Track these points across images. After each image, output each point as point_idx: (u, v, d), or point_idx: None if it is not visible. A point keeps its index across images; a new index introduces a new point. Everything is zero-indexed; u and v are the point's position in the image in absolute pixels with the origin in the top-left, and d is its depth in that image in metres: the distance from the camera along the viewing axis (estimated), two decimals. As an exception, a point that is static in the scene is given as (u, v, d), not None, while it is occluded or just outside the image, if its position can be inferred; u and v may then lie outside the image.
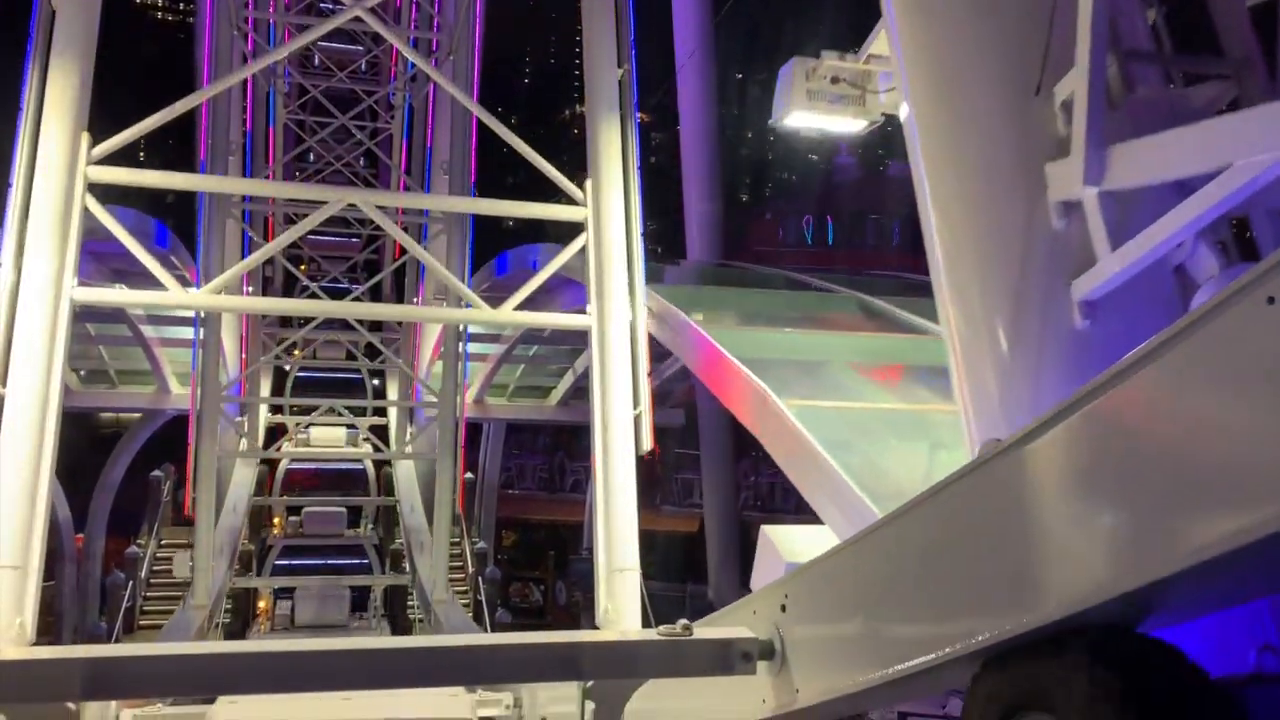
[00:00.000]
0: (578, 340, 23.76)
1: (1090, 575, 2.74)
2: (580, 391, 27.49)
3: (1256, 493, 2.25)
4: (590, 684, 4.30)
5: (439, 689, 3.93)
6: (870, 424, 8.19)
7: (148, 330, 20.27)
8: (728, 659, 4.40)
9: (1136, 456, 2.61)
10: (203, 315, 12.99)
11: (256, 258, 7.92)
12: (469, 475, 21.37)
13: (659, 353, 26.04)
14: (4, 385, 6.10)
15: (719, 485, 28.62)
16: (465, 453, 16.31)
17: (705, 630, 4.74)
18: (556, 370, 27.11)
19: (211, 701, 5.94)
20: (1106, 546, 2.69)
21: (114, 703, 8.02)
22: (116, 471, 26.89)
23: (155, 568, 17.15)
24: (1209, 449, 2.40)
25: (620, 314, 7.43)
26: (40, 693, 3.60)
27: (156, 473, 19.79)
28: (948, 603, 3.41)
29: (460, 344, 14.71)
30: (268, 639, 14.19)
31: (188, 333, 21.38)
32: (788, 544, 5.81)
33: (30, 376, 6.10)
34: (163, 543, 18.48)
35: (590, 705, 4.28)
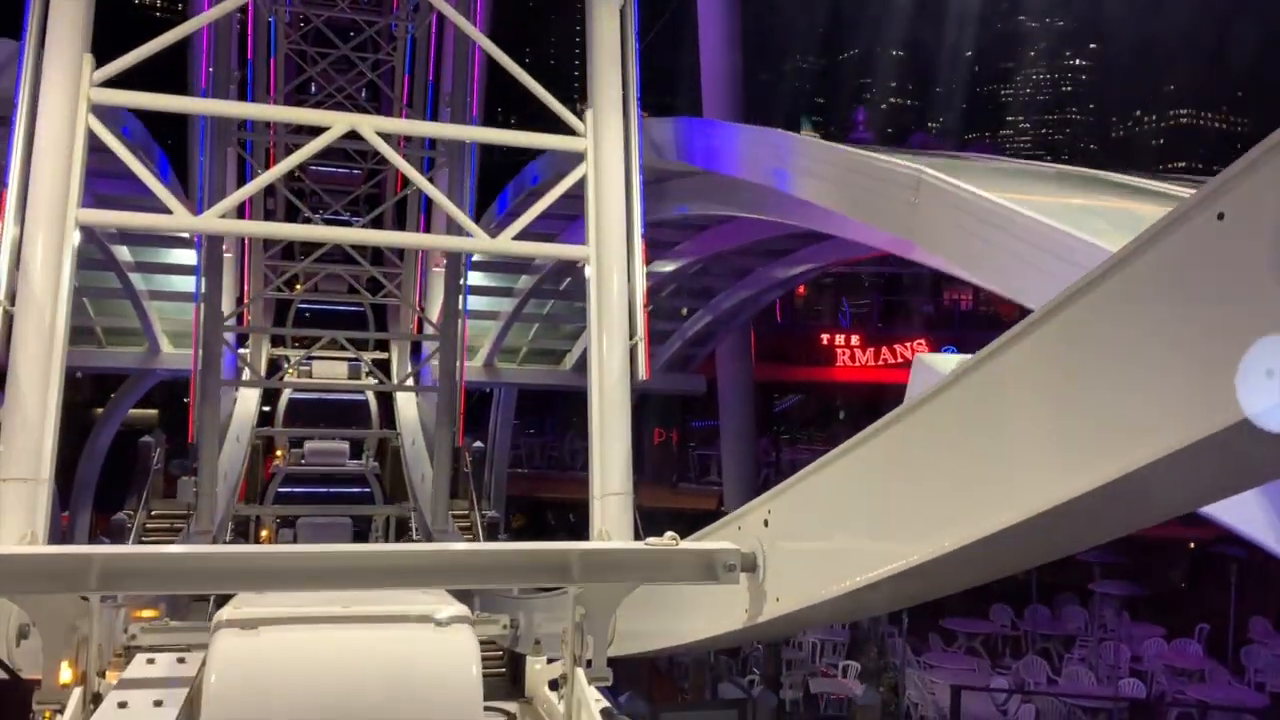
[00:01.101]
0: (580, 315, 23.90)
1: (1053, 480, 2.88)
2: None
3: (1205, 400, 2.38)
4: (580, 592, 4.49)
5: (439, 631, 4.12)
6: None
7: (136, 280, 19.86)
8: (712, 568, 4.60)
9: (1093, 370, 2.76)
10: (205, 242, 13.10)
11: (260, 181, 7.99)
12: (479, 444, 21.02)
13: (677, 309, 25.68)
14: (12, 304, 6.24)
15: (739, 462, 27.95)
16: (465, 391, 16.48)
17: (691, 543, 4.94)
18: (571, 333, 26.23)
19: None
20: (1066, 452, 2.84)
21: (122, 612, 8.31)
22: (104, 438, 25.69)
23: (144, 539, 15.51)
24: (1161, 361, 2.54)
25: (618, 244, 7.53)
26: (52, 585, 3.79)
27: (146, 439, 18.50)
28: (917, 515, 3.59)
29: (461, 277, 14.82)
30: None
31: (180, 283, 21.02)
32: (946, 368, 5.82)
33: (38, 295, 6.24)
34: (152, 513, 16.99)
35: (580, 610, 4.48)
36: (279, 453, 19.72)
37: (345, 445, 18.57)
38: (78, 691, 3.78)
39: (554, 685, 5.01)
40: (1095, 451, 2.71)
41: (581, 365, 25.58)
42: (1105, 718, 18.43)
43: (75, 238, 6.33)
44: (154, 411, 36.73)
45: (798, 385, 41.47)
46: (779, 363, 36.78)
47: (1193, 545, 27.75)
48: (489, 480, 27.94)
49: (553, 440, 38.74)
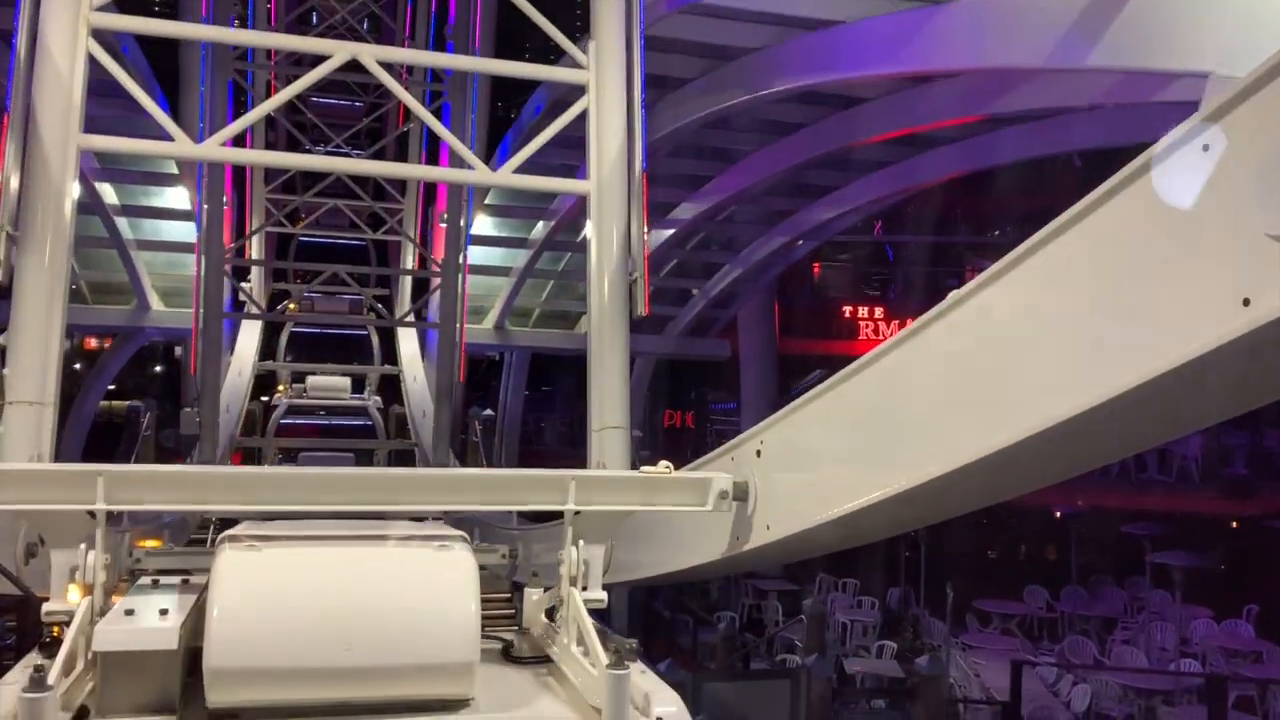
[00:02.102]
0: None
1: (1040, 403, 2.94)
2: None
3: (1191, 322, 2.44)
4: (576, 518, 4.59)
5: (440, 548, 4.23)
6: None
7: (123, 227, 19.28)
8: (704, 495, 4.70)
9: (1085, 296, 2.81)
10: (206, 173, 13.08)
11: (263, 109, 7.97)
12: (489, 412, 20.21)
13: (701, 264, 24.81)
14: (15, 229, 6.28)
15: None
16: (465, 320, 16.52)
17: (686, 473, 5.05)
18: (582, 294, 25.67)
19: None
20: (1054, 376, 2.90)
21: (126, 537, 8.45)
22: (91, 403, 25.03)
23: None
24: (1153, 284, 2.59)
25: (619, 179, 7.53)
26: (60, 496, 3.89)
27: (135, 404, 17.95)
28: (905, 442, 3.67)
29: (463, 213, 14.80)
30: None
31: (171, 231, 20.58)
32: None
33: (41, 219, 6.27)
34: None
35: (576, 535, 4.58)
36: (281, 388, 19.82)
37: (347, 381, 18.66)
38: (85, 602, 3.89)
39: (550, 615, 5.13)
40: (1082, 375, 2.77)
41: None
42: (1161, 700, 17.62)
43: (77, 162, 6.35)
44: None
45: (819, 360, 41.01)
46: (799, 337, 36.10)
47: (1235, 524, 26.99)
48: (499, 448, 27.00)
49: (564, 418, 37.53)
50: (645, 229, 7.84)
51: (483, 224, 22.38)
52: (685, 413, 37.25)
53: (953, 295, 3.38)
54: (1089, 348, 2.76)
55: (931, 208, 35.53)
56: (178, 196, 20.07)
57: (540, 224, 22.00)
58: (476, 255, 22.92)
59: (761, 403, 27.69)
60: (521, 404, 29.84)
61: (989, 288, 3.18)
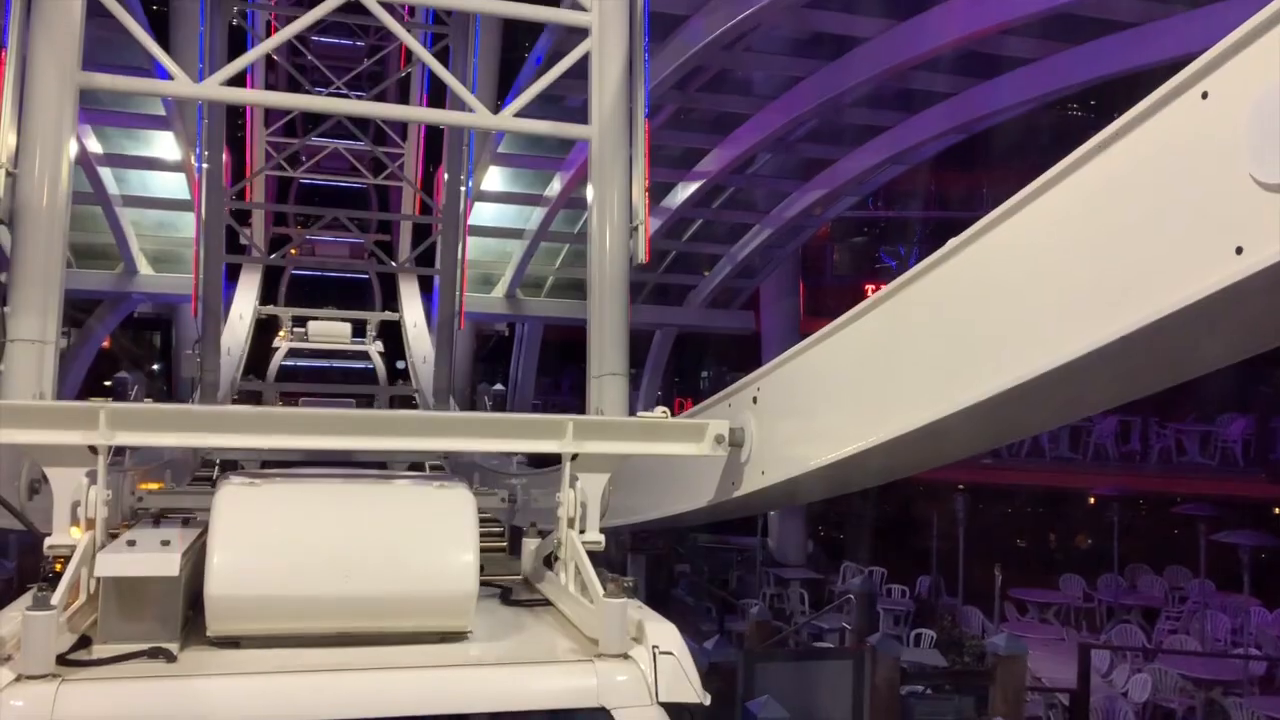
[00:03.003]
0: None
1: (1037, 352, 2.96)
2: (631, 288, 24.96)
3: (1185, 270, 2.45)
4: (574, 460, 4.63)
5: (439, 487, 4.29)
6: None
7: (109, 181, 18.69)
8: (701, 439, 4.75)
9: (1081, 245, 2.83)
10: (206, 114, 12.99)
11: (263, 48, 7.91)
12: (499, 387, 19.89)
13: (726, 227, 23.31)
14: (15, 167, 6.27)
15: None
16: (466, 267, 16.48)
17: (683, 419, 5.10)
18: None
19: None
20: (1049, 322, 2.92)
21: (129, 476, 8.54)
22: (75, 373, 24.03)
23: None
24: (1149, 233, 2.60)
25: (621, 124, 7.49)
26: (62, 429, 3.93)
27: (122, 375, 17.72)
28: (899, 388, 3.70)
29: (463, 158, 14.72)
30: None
31: (159, 185, 19.77)
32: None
33: (40, 158, 6.26)
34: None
35: (574, 477, 4.63)
36: (282, 333, 19.84)
37: (347, 326, 18.69)
38: (88, 536, 3.94)
39: (548, 562, 5.19)
40: (1076, 323, 2.80)
41: None
42: (1222, 690, 16.36)
43: (76, 100, 6.32)
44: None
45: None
46: (828, 317, 35.61)
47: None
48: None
49: (582, 397, 36.53)
50: (647, 176, 7.82)
51: (494, 178, 21.22)
52: (701, 398, 37.09)
53: (949, 244, 3.39)
54: (1084, 296, 2.78)
55: (969, 185, 35.21)
56: (165, 145, 19.05)
57: (557, 178, 20.78)
58: (486, 215, 22.02)
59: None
60: (534, 380, 28.74)
61: (984, 236, 3.20)
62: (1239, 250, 2.28)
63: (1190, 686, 16.28)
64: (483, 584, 4.14)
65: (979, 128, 18.94)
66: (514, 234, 22.35)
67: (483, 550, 4.04)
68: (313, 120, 20.75)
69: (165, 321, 24.44)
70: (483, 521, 5.17)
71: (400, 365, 19.05)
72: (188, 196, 18.95)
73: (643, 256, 7.90)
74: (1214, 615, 19.78)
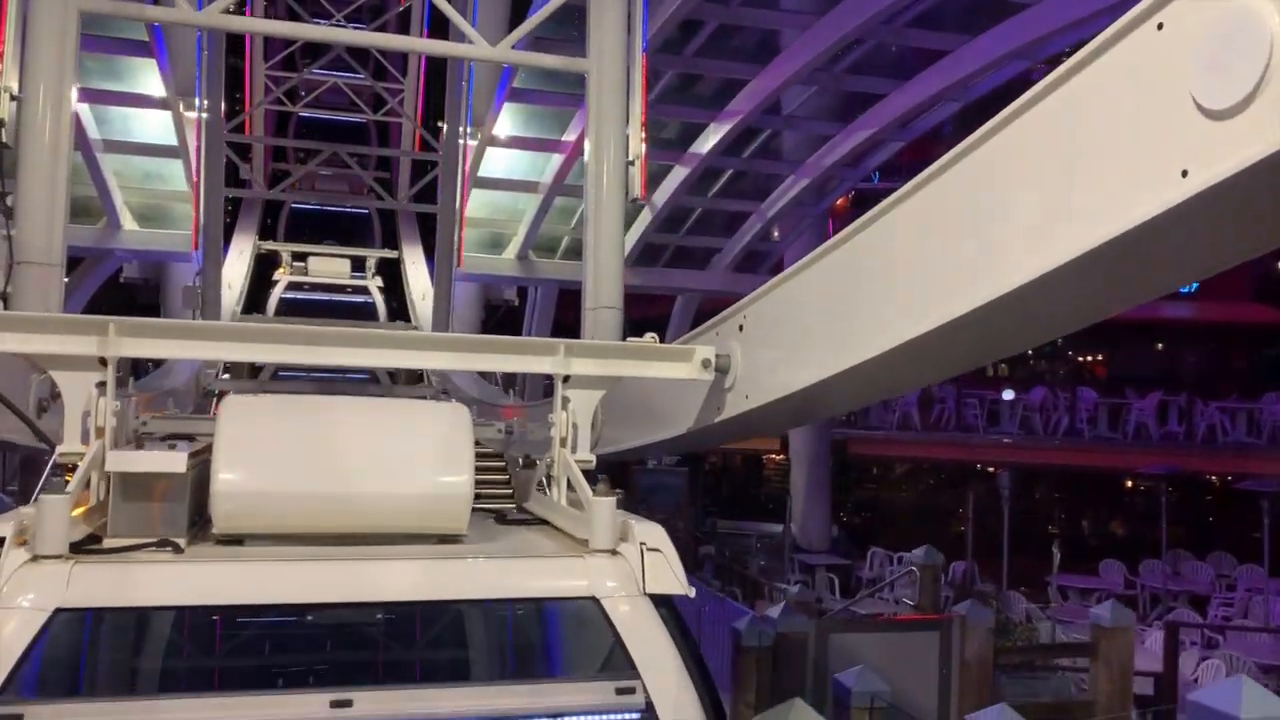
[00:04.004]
0: (649, 184, 21.38)
1: (1003, 271, 3.11)
2: (651, 251, 23.18)
3: (1135, 192, 2.60)
4: (566, 382, 4.81)
5: (439, 410, 4.49)
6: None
7: (89, 123, 17.82)
8: (689, 363, 4.93)
9: (1042, 172, 2.98)
10: (205, 45, 12.99)
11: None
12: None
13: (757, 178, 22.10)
14: (21, 91, 6.36)
15: None
16: (466, 203, 16.55)
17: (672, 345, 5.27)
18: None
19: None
20: (1014, 248, 3.08)
21: (134, 402, 8.70)
22: None
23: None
24: (1105, 158, 2.75)
25: (619, 58, 7.55)
26: (72, 336, 4.10)
27: None
28: (881, 310, 3.86)
29: (462, 92, 14.72)
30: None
31: (144, 130, 18.82)
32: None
33: (44, 82, 6.35)
34: None
35: (566, 399, 4.80)
36: (281, 269, 19.91)
37: (347, 262, 18.77)
38: (98, 443, 4.11)
39: (542, 488, 5.40)
40: (1037, 244, 2.95)
41: (637, 261, 22.06)
42: None
43: (78, 23, 6.39)
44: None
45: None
46: None
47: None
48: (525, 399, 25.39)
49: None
50: (644, 110, 7.90)
51: (507, 122, 19.72)
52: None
53: (923, 174, 3.53)
54: (1045, 219, 2.94)
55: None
56: (150, 81, 17.79)
57: (575, 120, 19.18)
58: (498, 165, 20.90)
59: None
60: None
61: (952, 167, 3.35)
62: (1184, 174, 2.43)
63: (1258, 671, 15.08)
64: (480, 509, 4.35)
65: (1043, 52, 16.78)
66: (527, 187, 21.13)
67: (481, 481, 4.24)
68: (312, 54, 20.61)
69: (154, 288, 23.01)
70: (482, 455, 5.37)
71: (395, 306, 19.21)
72: (174, 142, 18.31)
73: (639, 191, 8.03)
74: (1276, 600, 18.55)
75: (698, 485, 28.49)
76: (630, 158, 7.90)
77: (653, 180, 20.52)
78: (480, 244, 22.66)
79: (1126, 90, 2.64)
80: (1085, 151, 2.78)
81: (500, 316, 28.86)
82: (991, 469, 29.83)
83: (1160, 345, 38.81)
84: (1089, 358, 40.49)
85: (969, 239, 3.29)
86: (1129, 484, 32.04)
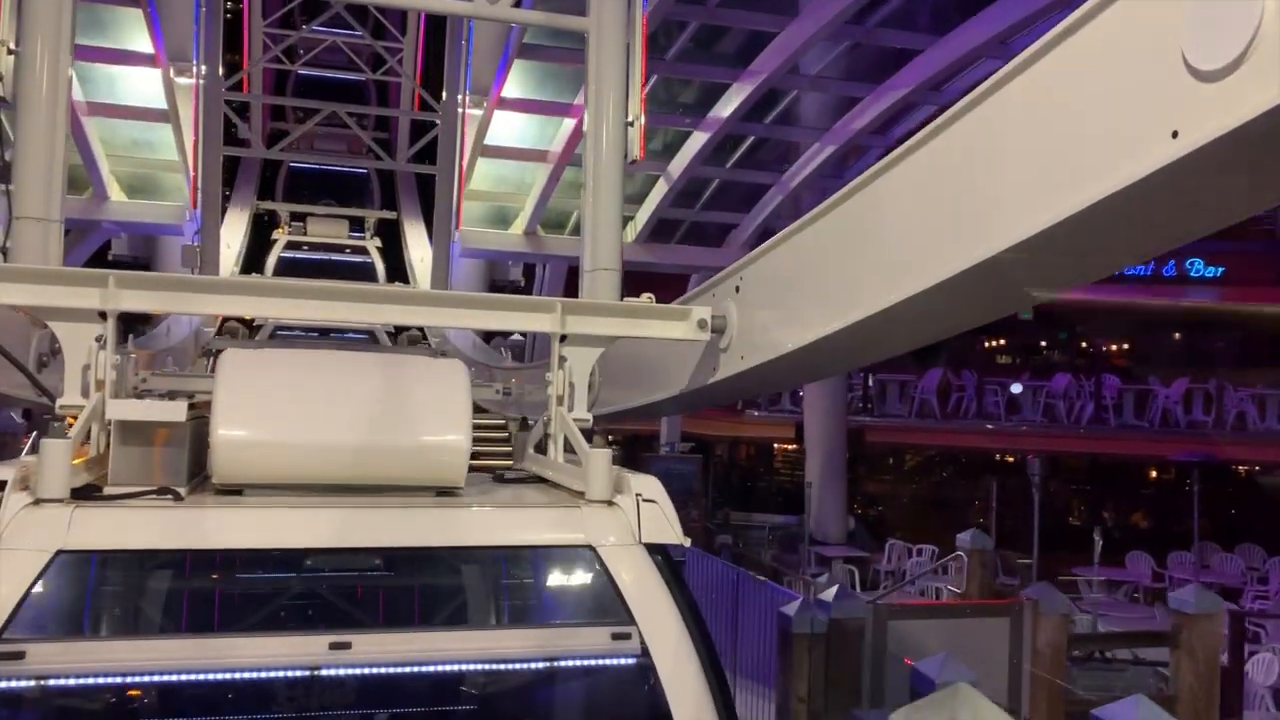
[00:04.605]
0: (655, 159, 19.54)
1: (999, 229, 3.14)
2: (665, 227, 22.53)
3: (1126, 153, 2.63)
4: (563, 340, 4.85)
5: (438, 365, 4.52)
6: None
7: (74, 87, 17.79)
8: (685, 323, 4.98)
9: (1039, 130, 3.00)
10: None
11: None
12: (519, 334, 18.82)
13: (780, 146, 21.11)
14: (17, 43, 6.33)
15: (824, 383, 23.64)
16: (465, 163, 16.51)
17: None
18: (634, 195, 21.14)
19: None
20: (1007, 209, 3.11)
21: (133, 359, 8.72)
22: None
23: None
24: (1099, 119, 2.77)
25: (619, 14, 7.51)
26: (72, 289, 4.14)
27: None
28: (876, 270, 3.89)
29: (462, 52, 14.64)
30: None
31: (131, 91, 18.09)
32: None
33: (42, 35, 6.32)
34: None
35: (563, 358, 4.85)
36: (280, 229, 19.90)
37: (345, 223, 18.75)
38: (97, 396, 4.16)
39: (539, 448, 5.45)
40: (1028, 205, 2.98)
41: (650, 238, 21.76)
42: None
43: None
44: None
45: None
46: None
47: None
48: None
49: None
50: (644, 70, 7.87)
51: (515, 81, 18.58)
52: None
53: (915, 138, 3.55)
54: (1037, 180, 2.96)
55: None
56: (136, 34, 16.88)
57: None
58: (507, 132, 20.05)
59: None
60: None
61: (947, 129, 3.37)
62: (1175, 134, 2.46)
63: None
64: (478, 468, 4.40)
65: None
66: (536, 156, 20.13)
67: (479, 439, 4.28)
68: (310, 12, 20.45)
69: (143, 265, 22.30)
70: (480, 417, 5.42)
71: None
72: (164, 105, 17.60)
73: (637, 153, 8.02)
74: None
75: (708, 475, 27.91)
76: (629, 119, 7.89)
77: (669, 149, 20.41)
78: (486, 219, 22.05)
79: (1119, 51, 2.65)
80: (1077, 112, 2.80)
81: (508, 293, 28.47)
82: (1010, 458, 29.48)
83: (1181, 332, 38.02)
84: (1112, 346, 39.76)
85: (963, 200, 3.32)
86: (1153, 473, 31.63)
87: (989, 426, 29.21)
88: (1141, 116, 2.55)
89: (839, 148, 20.05)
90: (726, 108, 18.94)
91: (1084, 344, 39.64)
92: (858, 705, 10.73)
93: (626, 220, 21.97)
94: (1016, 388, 29.45)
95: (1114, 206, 2.70)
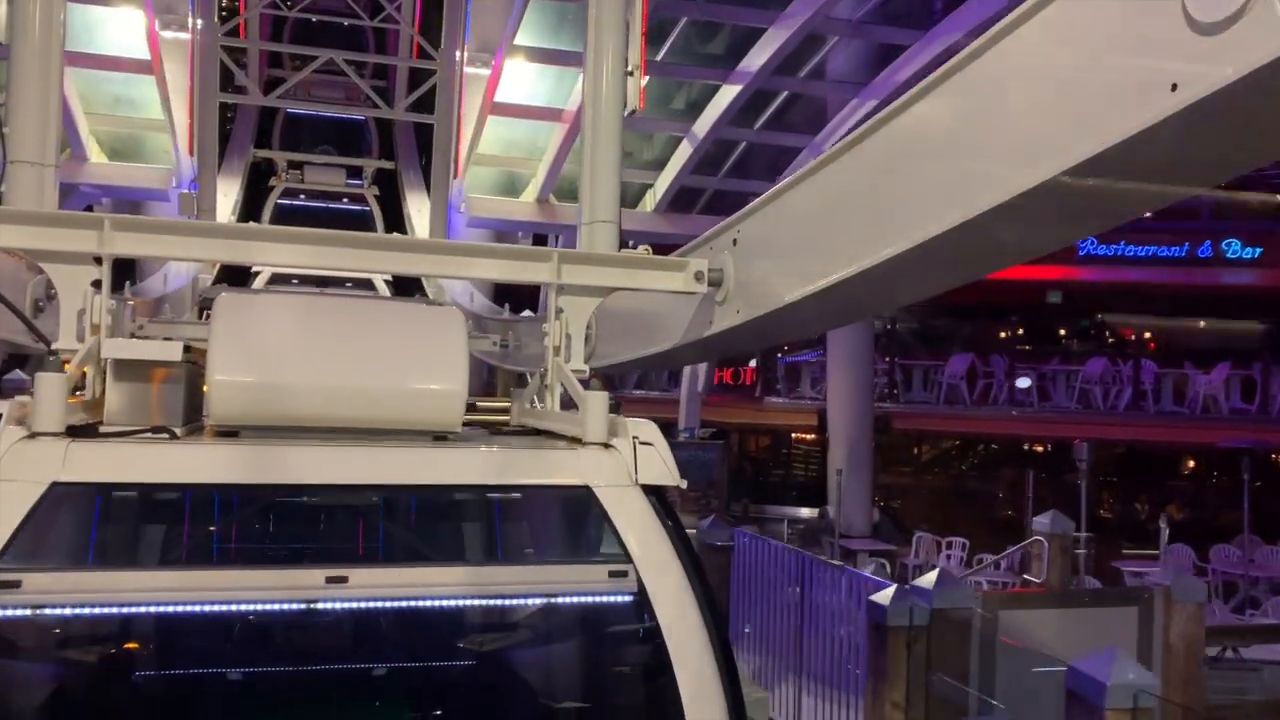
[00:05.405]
0: (678, 119, 18.76)
1: (998, 180, 3.14)
2: (687, 196, 21.07)
3: (1126, 106, 2.62)
4: (559, 289, 4.84)
5: (434, 311, 4.53)
6: None
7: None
8: (682, 275, 4.97)
9: (1039, 82, 2.99)
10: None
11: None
12: (529, 312, 19.10)
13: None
14: (13, -11, 6.25)
15: (850, 368, 22.98)
16: (464, 114, 16.37)
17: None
18: (653, 161, 19.96)
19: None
20: (1006, 160, 3.10)
21: (131, 305, 8.70)
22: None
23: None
24: (1099, 72, 2.76)
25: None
26: (68, 231, 4.13)
27: None
28: (872, 224, 3.89)
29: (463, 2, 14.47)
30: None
31: (113, 40, 17.12)
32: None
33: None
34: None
35: (560, 309, 4.85)
36: (277, 178, 19.75)
37: (343, 171, 18.62)
38: (93, 339, 4.16)
39: (535, 403, 5.46)
40: (1029, 157, 2.97)
41: (670, 207, 20.56)
42: None
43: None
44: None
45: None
46: None
47: None
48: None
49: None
50: (644, 17, 7.77)
51: (529, 27, 17.00)
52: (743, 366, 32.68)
53: (913, 90, 3.54)
54: (1037, 132, 2.96)
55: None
56: None
57: None
58: (518, 88, 18.75)
59: (858, 345, 22.23)
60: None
61: (945, 82, 3.35)
62: (1174, 87, 2.45)
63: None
64: (473, 424, 4.40)
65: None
66: (549, 115, 18.47)
67: (476, 408, 4.27)
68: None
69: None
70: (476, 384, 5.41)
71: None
72: (147, 56, 16.59)
73: (637, 103, 7.95)
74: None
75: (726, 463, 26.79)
76: (629, 68, 7.81)
77: (693, 108, 19.06)
78: (494, 186, 20.88)
79: (1119, 2, 2.64)
80: (1078, 65, 2.79)
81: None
82: (1039, 446, 28.53)
83: (1217, 315, 36.66)
84: (1145, 331, 38.48)
85: (961, 154, 3.31)
86: (1191, 462, 30.76)
87: (1013, 413, 28.15)
88: (1141, 69, 2.54)
89: (879, 103, 18.02)
90: (758, 59, 17.33)
91: (1111, 328, 38.65)
92: (964, 713, 9.17)
93: (645, 188, 21.07)
94: (1024, 382, 28.40)
95: (1113, 160, 2.70)
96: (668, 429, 27.16)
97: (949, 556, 20.33)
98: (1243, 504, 19.50)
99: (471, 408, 4.48)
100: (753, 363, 32.33)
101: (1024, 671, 9.37)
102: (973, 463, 35.27)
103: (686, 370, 22.84)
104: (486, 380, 18.43)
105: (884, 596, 9.65)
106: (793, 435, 32.26)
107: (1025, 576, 15.91)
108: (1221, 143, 2.59)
